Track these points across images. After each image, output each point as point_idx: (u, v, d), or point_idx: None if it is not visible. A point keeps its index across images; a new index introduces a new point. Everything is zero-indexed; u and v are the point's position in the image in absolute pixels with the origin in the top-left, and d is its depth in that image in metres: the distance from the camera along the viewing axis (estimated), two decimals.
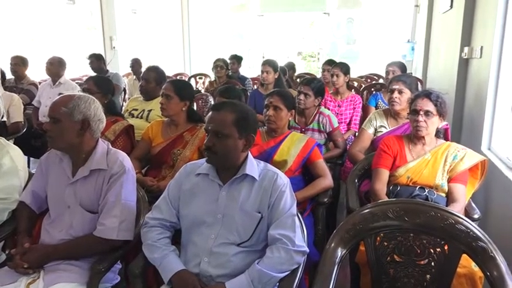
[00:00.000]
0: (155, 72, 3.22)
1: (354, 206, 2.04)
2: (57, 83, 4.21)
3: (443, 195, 2.05)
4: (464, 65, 3.57)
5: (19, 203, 1.82)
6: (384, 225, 1.49)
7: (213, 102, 3.82)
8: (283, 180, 1.57)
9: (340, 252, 1.46)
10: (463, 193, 2.02)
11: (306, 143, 2.28)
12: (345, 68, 3.81)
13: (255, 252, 1.54)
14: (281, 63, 5.12)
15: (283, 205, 1.52)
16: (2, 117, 3.33)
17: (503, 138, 2.77)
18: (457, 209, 1.89)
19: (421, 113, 2.06)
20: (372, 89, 4.76)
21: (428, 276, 1.46)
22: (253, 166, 1.58)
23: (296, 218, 1.55)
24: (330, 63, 4.58)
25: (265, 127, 2.40)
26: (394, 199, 2.00)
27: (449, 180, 2.05)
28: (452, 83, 3.72)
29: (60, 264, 1.62)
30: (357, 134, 3.33)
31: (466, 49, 3.45)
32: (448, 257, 1.43)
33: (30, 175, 1.94)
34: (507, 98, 2.78)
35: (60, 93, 1.79)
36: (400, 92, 2.66)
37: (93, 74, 4.78)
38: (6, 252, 1.98)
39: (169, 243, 1.60)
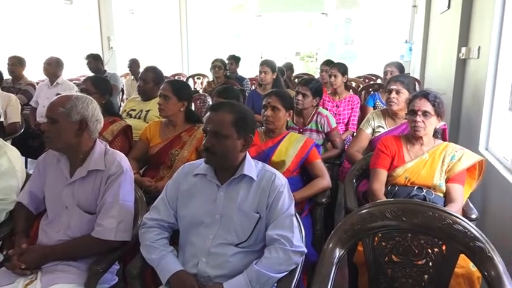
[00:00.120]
0: (153, 73, 3.22)
1: (352, 206, 2.05)
2: (55, 84, 4.21)
3: (441, 195, 2.06)
4: (461, 65, 3.57)
5: (16, 203, 1.81)
6: (382, 225, 1.49)
7: (211, 103, 3.82)
8: (281, 180, 1.57)
9: (338, 252, 1.46)
10: (461, 193, 2.03)
11: (304, 144, 2.28)
12: (343, 69, 3.82)
13: (253, 253, 1.53)
14: (279, 63, 5.12)
15: (281, 205, 1.52)
16: (0, 118, 3.34)
17: (501, 138, 2.78)
18: (455, 209, 1.89)
19: (419, 113, 2.07)
20: (370, 89, 4.76)
21: (426, 276, 1.46)
22: (251, 166, 1.58)
23: (294, 218, 1.55)
24: (328, 63, 4.58)
25: (263, 127, 2.40)
26: (392, 199, 2.00)
27: (447, 181, 2.05)
28: (450, 83, 3.72)
29: (58, 265, 1.61)
30: (355, 134, 3.33)
31: (463, 49, 3.46)
32: (445, 257, 1.43)
33: (28, 176, 1.94)
34: (504, 98, 2.79)
35: (58, 94, 1.78)
36: (398, 92, 2.67)
37: (91, 74, 4.77)
38: (4, 253, 1.96)
39: (167, 243, 1.59)
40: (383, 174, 2.14)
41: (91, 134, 1.71)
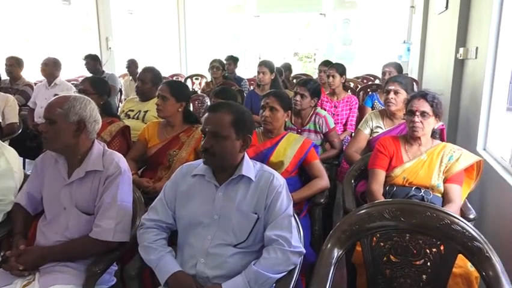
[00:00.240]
0: (152, 73, 3.21)
1: (350, 207, 2.05)
2: (52, 84, 4.20)
3: (439, 195, 2.06)
4: (459, 65, 3.58)
5: (14, 204, 1.81)
6: (381, 225, 1.49)
7: (209, 103, 3.82)
8: (280, 181, 1.57)
9: (336, 252, 1.46)
10: (459, 193, 2.03)
11: (302, 144, 2.28)
12: (341, 69, 3.83)
13: (251, 253, 1.53)
14: (277, 64, 5.13)
15: (279, 206, 1.52)
16: None
17: (499, 138, 2.78)
18: (453, 209, 1.89)
19: (417, 113, 2.07)
20: (369, 90, 4.77)
21: (424, 276, 1.46)
22: (250, 167, 1.58)
23: (293, 218, 1.55)
24: (326, 64, 4.59)
25: (262, 128, 2.40)
26: (390, 199, 2.01)
27: (445, 181, 2.06)
28: (448, 84, 3.73)
29: (56, 266, 1.61)
30: (353, 134, 3.34)
31: (461, 50, 3.47)
32: (443, 257, 1.44)
33: (26, 176, 1.93)
34: (502, 98, 2.80)
35: (55, 94, 1.78)
36: (396, 92, 2.67)
37: (89, 75, 4.76)
38: (1, 254, 1.96)
39: (166, 244, 1.59)
40: (381, 174, 2.14)
41: (89, 134, 1.70)
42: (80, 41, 7.02)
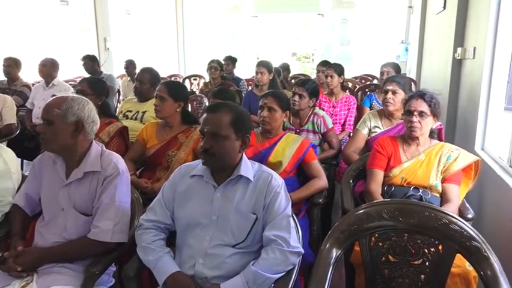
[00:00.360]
0: (150, 74, 3.21)
1: (349, 207, 2.05)
2: (50, 85, 4.19)
3: (437, 195, 2.06)
4: (457, 65, 3.59)
5: (12, 205, 1.81)
6: (379, 225, 1.49)
7: (207, 104, 3.81)
8: (278, 181, 1.58)
9: (335, 252, 1.46)
10: (457, 193, 2.03)
11: (300, 144, 2.28)
12: (339, 69, 3.83)
13: (250, 254, 1.53)
14: (276, 64, 5.13)
15: (278, 206, 1.52)
16: None
17: (497, 138, 2.79)
18: (451, 209, 1.90)
19: (415, 113, 2.07)
20: (367, 90, 4.78)
21: (422, 276, 1.47)
22: (248, 167, 1.58)
23: (291, 219, 1.55)
24: (324, 64, 4.59)
25: (260, 128, 2.40)
26: (389, 199, 2.01)
27: (443, 181, 2.06)
28: (446, 84, 3.74)
29: (54, 267, 1.61)
30: (351, 134, 3.34)
31: (459, 50, 3.48)
32: (442, 257, 1.44)
33: (24, 177, 1.93)
34: (500, 98, 2.80)
35: (53, 95, 1.77)
36: (394, 92, 2.67)
37: (87, 75, 4.76)
38: None
39: (164, 245, 1.59)
40: (379, 174, 2.14)
41: (87, 135, 1.70)
42: (78, 42, 7.01)
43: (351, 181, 2.30)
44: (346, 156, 2.73)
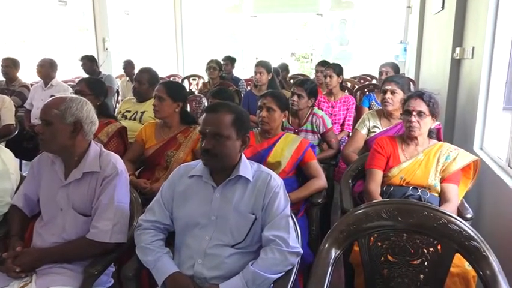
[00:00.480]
0: (148, 74, 3.21)
1: (348, 207, 2.05)
2: (49, 85, 4.19)
3: (436, 195, 2.07)
4: (456, 65, 3.59)
5: (11, 206, 1.80)
6: (378, 225, 1.49)
7: (206, 104, 3.81)
8: (277, 181, 1.57)
9: (334, 252, 1.46)
10: (456, 193, 2.04)
11: (299, 144, 2.28)
12: (338, 69, 3.83)
13: (249, 254, 1.53)
14: (274, 64, 5.12)
15: (277, 206, 1.52)
16: None
17: (495, 138, 2.79)
18: (450, 208, 1.90)
19: (414, 113, 2.08)
20: (366, 90, 4.78)
21: (421, 275, 1.47)
22: (247, 167, 1.58)
23: (290, 219, 1.55)
24: (323, 64, 4.59)
25: (259, 128, 2.40)
26: (388, 199, 2.01)
27: (442, 181, 2.06)
28: (444, 84, 3.74)
29: (53, 267, 1.60)
30: (350, 134, 3.34)
31: (457, 50, 3.48)
32: (441, 257, 1.44)
33: (22, 178, 1.93)
34: (498, 97, 2.80)
35: (52, 95, 1.77)
36: (393, 92, 2.67)
37: (85, 75, 4.75)
38: None
39: (163, 245, 1.59)
40: (378, 174, 2.14)
41: (86, 135, 1.70)
42: (76, 42, 7.01)
43: (350, 181, 2.30)
44: (345, 156, 2.73)
